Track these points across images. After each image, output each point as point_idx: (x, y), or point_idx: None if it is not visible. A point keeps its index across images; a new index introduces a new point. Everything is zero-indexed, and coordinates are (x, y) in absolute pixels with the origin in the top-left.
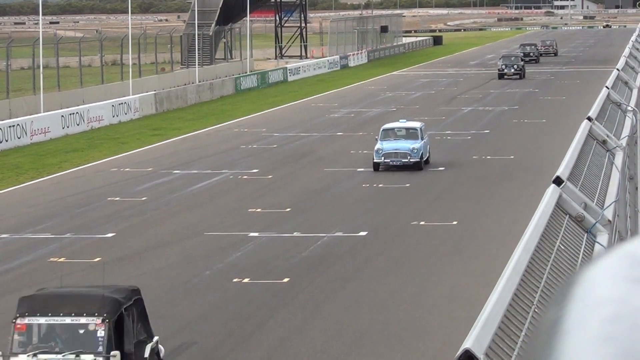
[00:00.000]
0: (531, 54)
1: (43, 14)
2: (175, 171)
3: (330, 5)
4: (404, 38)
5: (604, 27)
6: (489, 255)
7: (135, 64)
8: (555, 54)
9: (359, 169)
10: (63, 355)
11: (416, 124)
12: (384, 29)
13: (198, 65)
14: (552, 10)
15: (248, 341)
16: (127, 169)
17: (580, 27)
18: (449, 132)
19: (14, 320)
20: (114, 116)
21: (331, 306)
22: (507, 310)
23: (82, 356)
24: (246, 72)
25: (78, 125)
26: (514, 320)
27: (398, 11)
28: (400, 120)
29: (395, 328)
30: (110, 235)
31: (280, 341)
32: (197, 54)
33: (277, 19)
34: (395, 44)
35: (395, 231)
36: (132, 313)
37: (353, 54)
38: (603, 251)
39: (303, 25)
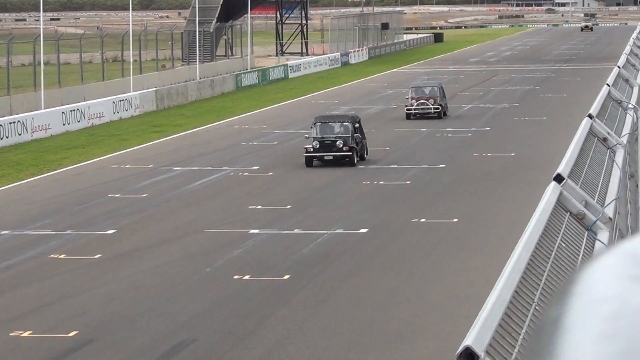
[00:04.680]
0: (338, 143)
1: (44, 11)
2: (175, 168)
3: (331, 2)
4: (404, 35)
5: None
6: (489, 252)
7: (136, 61)
8: (442, 114)
9: (359, 166)
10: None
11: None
12: (384, 26)
13: (199, 62)
14: (553, 8)
15: (248, 338)
16: (128, 166)
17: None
18: (450, 129)
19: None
20: (114, 113)
21: (332, 303)
22: (507, 308)
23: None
24: (247, 69)
25: (79, 122)
26: (515, 317)
27: (399, 8)
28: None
29: (395, 325)
30: (110, 232)
31: (280, 338)
32: (197, 51)
33: (278, 15)
34: (396, 41)
35: (396, 228)
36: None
37: (354, 51)
38: (604, 249)
39: (304, 22)
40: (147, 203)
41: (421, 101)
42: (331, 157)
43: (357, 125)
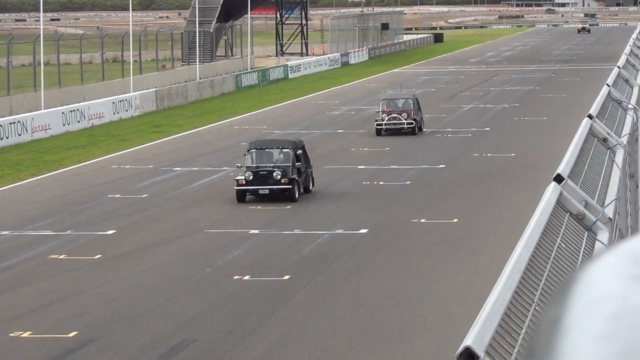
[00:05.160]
0: (276, 175)
1: (44, 11)
2: (175, 168)
3: (331, 2)
4: (404, 35)
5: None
6: (489, 252)
7: (136, 61)
8: (416, 129)
9: (359, 166)
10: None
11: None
12: (384, 27)
13: (199, 62)
14: (553, 8)
15: (248, 338)
16: (128, 166)
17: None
18: (450, 129)
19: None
20: (114, 113)
21: (331, 303)
22: (507, 308)
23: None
24: (247, 69)
25: (79, 122)
26: (515, 317)
27: (399, 8)
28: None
29: (395, 325)
30: (110, 232)
31: (280, 338)
32: (197, 51)
33: (278, 16)
34: (396, 41)
35: (396, 229)
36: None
37: (354, 52)
38: (603, 249)
39: (304, 22)
40: (147, 203)
41: (393, 115)
42: (267, 192)
43: (299, 151)
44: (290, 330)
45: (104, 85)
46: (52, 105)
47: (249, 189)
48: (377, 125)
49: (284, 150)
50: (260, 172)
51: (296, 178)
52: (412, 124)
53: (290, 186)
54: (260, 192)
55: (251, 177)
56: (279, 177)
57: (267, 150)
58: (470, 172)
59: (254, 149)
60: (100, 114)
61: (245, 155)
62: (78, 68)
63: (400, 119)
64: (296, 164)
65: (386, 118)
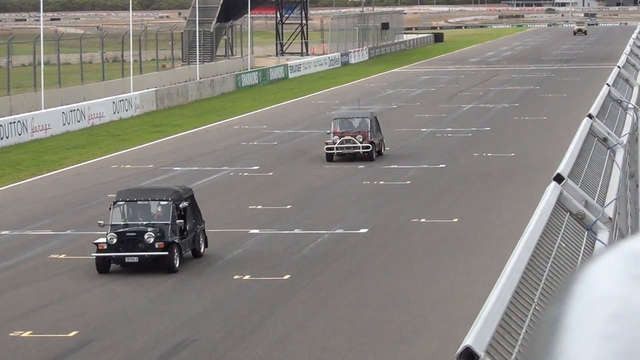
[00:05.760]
0: (148, 238)
1: (44, 11)
2: (175, 168)
3: (331, 2)
4: (404, 35)
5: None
6: (489, 252)
7: (136, 61)
8: (373, 154)
9: (359, 166)
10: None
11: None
12: (384, 26)
13: (199, 62)
14: (553, 8)
15: (248, 338)
16: (128, 166)
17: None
18: (450, 129)
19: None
20: (114, 113)
21: (332, 303)
22: (507, 308)
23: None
24: (247, 69)
25: (79, 122)
26: (515, 317)
27: (399, 8)
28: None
29: (395, 325)
30: None
31: (280, 338)
32: (197, 51)
33: (278, 15)
34: (396, 41)
35: (396, 228)
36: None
37: (354, 51)
38: (604, 249)
39: (304, 22)
40: None
41: (346, 137)
42: (136, 259)
43: (184, 204)
44: (290, 330)
45: (104, 85)
46: (52, 105)
47: (112, 257)
48: (327, 149)
49: (162, 202)
50: (127, 234)
51: (176, 241)
52: (368, 147)
53: (166, 252)
54: (127, 259)
55: (114, 241)
56: (151, 240)
57: (139, 202)
58: (470, 172)
59: (122, 200)
60: (100, 114)
61: (110, 209)
62: (78, 68)
63: (354, 142)
64: (178, 221)
65: (338, 141)
